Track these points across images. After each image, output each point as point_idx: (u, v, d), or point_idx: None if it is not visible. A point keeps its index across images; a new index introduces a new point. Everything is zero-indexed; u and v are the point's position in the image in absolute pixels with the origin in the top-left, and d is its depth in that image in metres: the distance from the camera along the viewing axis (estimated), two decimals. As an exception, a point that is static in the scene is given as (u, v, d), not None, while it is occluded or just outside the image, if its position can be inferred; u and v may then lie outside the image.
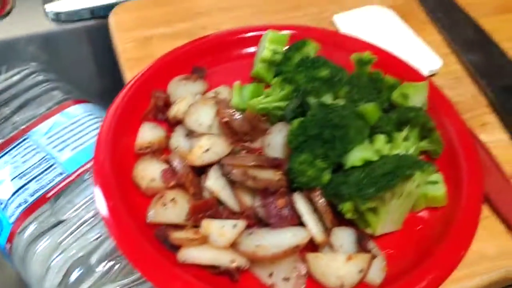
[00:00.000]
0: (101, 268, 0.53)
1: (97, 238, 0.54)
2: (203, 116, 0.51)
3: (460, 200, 0.47)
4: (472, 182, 0.48)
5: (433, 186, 0.48)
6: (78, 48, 0.81)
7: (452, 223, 0.46)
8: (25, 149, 0.61)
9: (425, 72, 0.62)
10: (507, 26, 0.71)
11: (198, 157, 0.46)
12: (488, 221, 0.49)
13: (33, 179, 0.58)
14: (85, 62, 0.83)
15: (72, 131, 0.62)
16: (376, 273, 0.43)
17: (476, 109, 0.61)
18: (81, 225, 0.55)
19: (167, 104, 0.55)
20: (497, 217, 0.50)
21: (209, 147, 0.47)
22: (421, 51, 0.65)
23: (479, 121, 0.59)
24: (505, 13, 0.74)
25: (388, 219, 0.45)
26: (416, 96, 0.54)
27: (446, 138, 0.52)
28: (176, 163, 0.47)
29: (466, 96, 0.62)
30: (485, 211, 0.50)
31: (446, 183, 0.49)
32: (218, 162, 0.46)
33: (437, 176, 0.49)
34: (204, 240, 0.43)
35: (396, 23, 0.69)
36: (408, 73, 0.59)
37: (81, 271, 0.52)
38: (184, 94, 0.55)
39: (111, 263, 0.53)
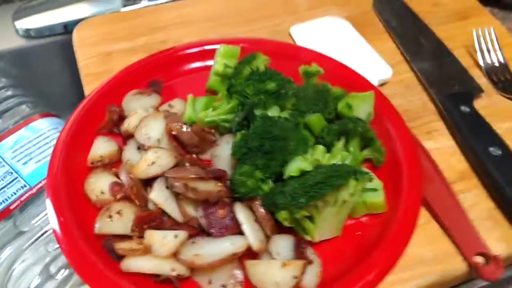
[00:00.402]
0: (60, 276, 0.55)
1: (57, 248, 0.56)
2: (152, 130, 0.53)
3: (399, 206, 0.49)
4: (411, 189, 0.50)
5: (372, 193, 0.50)
6: (50, 62, 0.83)
7: (389, 228, 0.48)
8: (-10, 163, 0.64)
9: (375, 81, 0.63)
10: (460, 33, 0.73)
11: (143, 170, 0.48)
12: (426, 227, 0.51)
13: (-3, 191, 0.61)
14: (57, 76, 0.86)
15: (36, 145, 0.64)
16: (311, 278, 0.45)
17: (425, 116, 0.62)
18: (42, 236, 0.57)
19: (122, 118, 0.57)
20: (435, 222, 0.51)
21: (155, 161, 0.49)
22: (373, 61, 0.67)
23: (426, 128, 0.61)
24: (461, 20, 0.76)
25: (325, 226, 0.47)
26: (361, 107, 0.56)
27: (389, 147, 0.54)
28: (124, 176, 0.49)
29: (416, 104, 0.64)
30: (425, 217, 0.52)
31: (386, 191, 0.51)
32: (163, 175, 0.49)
33: (377, 184, 0.51)
34: (147, 250, 0.45)
35: (351, 34, 0.71)
36: (357, 83, 0.60)
37: (40, 279, 0.54)
38: (137, 108, 0.57)
39: (71, 270, 0.55)
